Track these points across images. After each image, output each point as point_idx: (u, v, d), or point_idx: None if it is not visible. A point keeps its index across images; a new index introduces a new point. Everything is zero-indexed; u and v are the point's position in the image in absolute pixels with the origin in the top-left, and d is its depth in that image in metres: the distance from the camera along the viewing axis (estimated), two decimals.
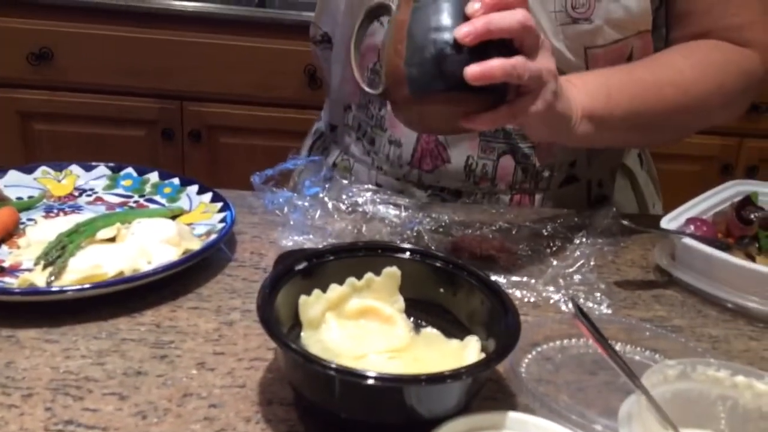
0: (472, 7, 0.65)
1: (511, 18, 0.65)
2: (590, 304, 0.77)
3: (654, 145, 1.19)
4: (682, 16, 0.91)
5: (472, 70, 0.64)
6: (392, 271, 0.64)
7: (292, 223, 0.84)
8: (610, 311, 0.76)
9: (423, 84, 0.66)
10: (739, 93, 0.91)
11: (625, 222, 0.86)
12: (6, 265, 0.74)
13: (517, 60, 0.65)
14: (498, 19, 0.65)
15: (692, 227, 0.85)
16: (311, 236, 0.82)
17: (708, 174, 2.16)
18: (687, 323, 0.77)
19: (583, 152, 0.98)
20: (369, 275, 0.64)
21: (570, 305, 0.55)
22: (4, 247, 0.77)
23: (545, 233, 0.89)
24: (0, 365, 0.61)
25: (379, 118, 0.97)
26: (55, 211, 0.85)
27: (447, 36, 0.65)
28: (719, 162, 2.18)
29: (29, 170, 0.90)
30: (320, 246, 0.76)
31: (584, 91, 0.78)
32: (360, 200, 0.90)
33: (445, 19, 0.66)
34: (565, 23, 0.86)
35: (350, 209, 0.90)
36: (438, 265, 0.66)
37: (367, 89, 0.72)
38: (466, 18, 0.65)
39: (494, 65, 0.64)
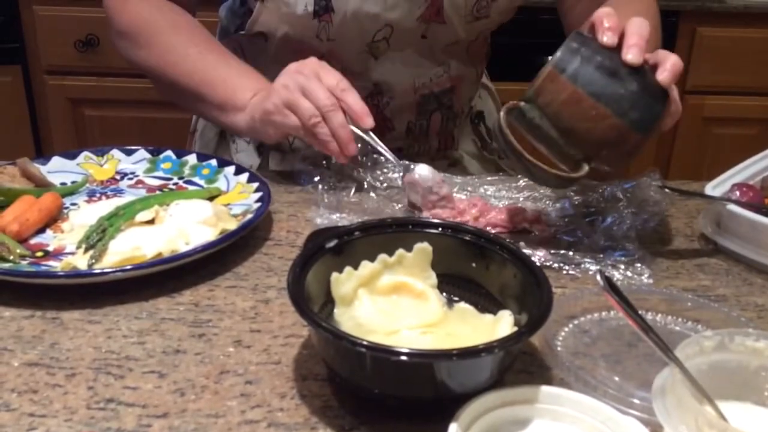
0: (609, 38, 0.71)
1: (642, 24, 0.72)
2: (630, 275, 0.75)
3: None
4: None
5: (665, 77, 0.71)
6: (423, 247, 0.64)
7: (326, 201, 0.84)
8: (651, 282, 0.75)
9: (648, 117, 0.70)
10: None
11: (668, 189, 0.84)
12: (50, 249, 0.76)
13: (674, 55, 0.72)
14: (638, 29, 0.71)
15: (738, 193, 0.82)
16: (346, 214, 0.82)
17: (765, 137, 2.08)
18: (732, 292, 0.74)
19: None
20: (400, 251, 0.64)
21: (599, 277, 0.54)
22: (49, 232, 0.79)
23: (584, 203, 0.88)
24: (45, 346, 0.63)
25: None
26: (98, 195, 0.87)
27: (622, 70, 0.69)
28: None
29: (72, 156, 0.92)
30: (353, 223, 0.76)
31: None
32: (393, 176, 0.90)
33: (605, 61, 0.69)
34: (469, 21, 0.97)
35: (385, 185, 0.90)
36: (469, 239, 0.65)
37: (574, 175, 0.73)
38: (612, 50, 0.70)
39: (672, 63, 0.71)
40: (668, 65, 0.71)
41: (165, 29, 0.96)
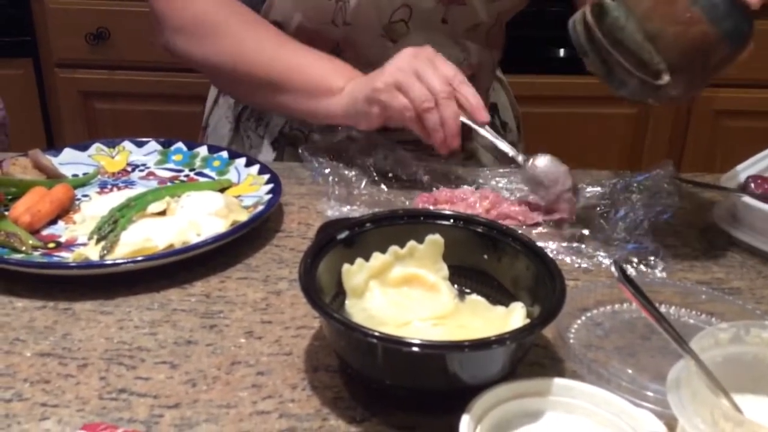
0: None
1: None
2: (644, 268, 0.75)
3: None
4: None
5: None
6: (435, 239, 0.64)
7: (337, 193, 0.84)
8: (665, 274, 0.74)
9: (740, 31, 0.67)
10: None
11: (682, 182, 0.84)
12: (62, 240, 0.76)
13: None
14: None
15: (753, 185, 0.81)
16: (357, 206, 0.82)
17: None
18: (746, 285, 0.74)
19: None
20: (412, 243, 0.64)
21: (613, 268, 0.53)
22: (61, 223, 0.79)
23: (597, 196, 0.87)
24: (57, 337, 0.63)
25: None
26: (109, 186, 0.87)
27: None
28: None
29: (84, 147, 0.92)
30: (365, 215, 0.76)
31: None
32: (403, 168, 0.89)
33: None
34: (489, 0, 0.96)
35: (395, 177, 0.90)
36: (481, 230, 0.65)
37: (655, 82, 0.68)
38: None
39: None
40: None
41: (234, 23, 0.93)
